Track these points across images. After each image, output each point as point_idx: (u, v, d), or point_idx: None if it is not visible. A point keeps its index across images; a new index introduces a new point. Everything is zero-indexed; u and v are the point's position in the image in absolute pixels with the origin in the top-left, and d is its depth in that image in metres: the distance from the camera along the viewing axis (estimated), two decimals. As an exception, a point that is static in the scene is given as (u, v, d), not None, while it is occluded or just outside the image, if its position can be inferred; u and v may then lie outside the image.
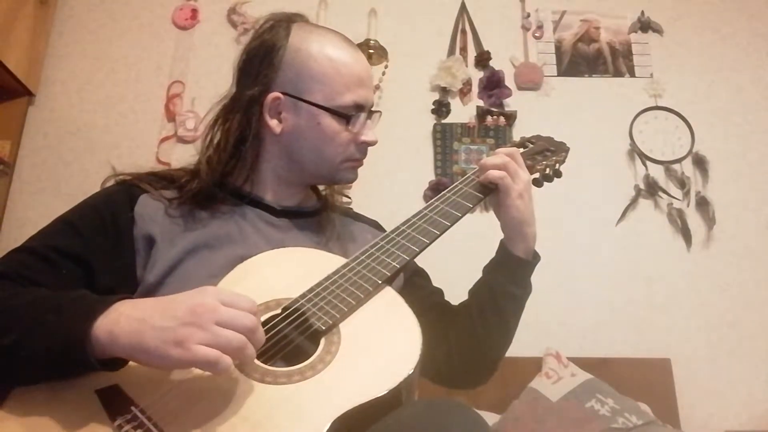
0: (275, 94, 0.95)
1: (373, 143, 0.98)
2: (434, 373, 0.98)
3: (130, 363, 0.69)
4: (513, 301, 0.97)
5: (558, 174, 1.08)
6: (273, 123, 0.95)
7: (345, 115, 0.94)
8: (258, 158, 0.98)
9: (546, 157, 1.07)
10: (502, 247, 0.98)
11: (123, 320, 0.66)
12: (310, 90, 0.94)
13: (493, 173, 0.95)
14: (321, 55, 0.95)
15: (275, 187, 1.00)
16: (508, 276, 0.96)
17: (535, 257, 0.98)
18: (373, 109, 1.00)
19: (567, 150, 1.10)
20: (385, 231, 0.94)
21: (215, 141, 0.98)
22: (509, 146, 1.04)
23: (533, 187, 1.00)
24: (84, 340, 0.65)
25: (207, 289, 0.69)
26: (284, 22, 0.98)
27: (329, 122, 0.94)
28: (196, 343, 0.63)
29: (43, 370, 0.68)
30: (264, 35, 0.98)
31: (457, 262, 1.51)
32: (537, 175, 1.05)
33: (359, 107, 0.95)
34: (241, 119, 0.96)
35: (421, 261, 0.96)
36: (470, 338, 0.97)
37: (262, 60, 0.96)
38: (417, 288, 1.04)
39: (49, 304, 0.71)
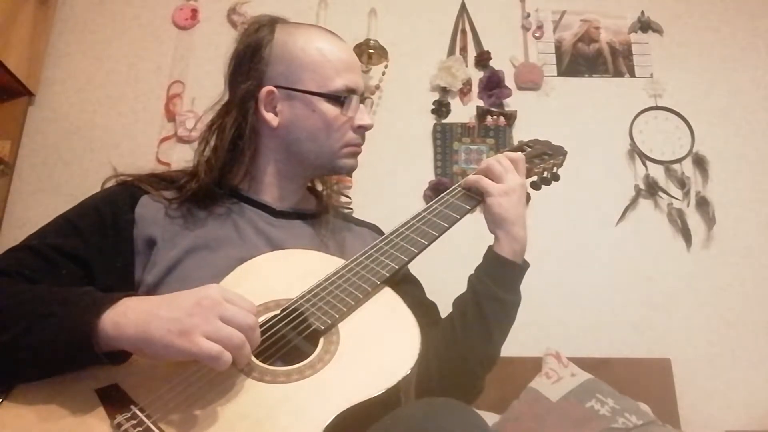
0: (269, 88, 0.96)
1: (369, 126, 1.00)
2: (422, 390, 0.87)
3: (130, 361, 0.69)
4: (497, 304, 0.91)
5: (556, 177, 1.08)
6: (270, 116, 0.97)
7: (339, 99, 0.96)
8: (256, 154, 0.99)
9: (544, 160, 1.07)
10: (488, 250, 0.95)
11: (130, 312, 0.68)
12: (301, 79, 0.96)
13: (470, 178, 0.96)
14: (308, 45, 0.97)
15: (274, 184, 1.00)
16: (492, 277, 0.92)
17: (524, 263, 0.95)
18: (365, 96, 1.01)
19: (565, 153, 1.10)
20: (384, 234, 0.94)
21: (212, 141, 0.98)
22: (507, 150, 1.05)
23: (533, 190, 1.00)
24: (91, 330, 0.66)
25: (212, 285, 0.71)
26: (267, 23, 1.01)
27: (325, 108, 0.96)
28: (201, 336, 0.64)
29: (48, 362, 0.68)
30: (249, 37, 1.00)
31: (457, 265, 1.51)
32: (535, 178, 1.05)
33: (351, 91, 0.97)
34: (237, 116, 0.97)
35: (419, 263, 0.95)
36: (450, 347, 0.91)
37: (251, 58, 0.98)
38: (405, 295, 1.01)
39: (56, 298, 0.72)
